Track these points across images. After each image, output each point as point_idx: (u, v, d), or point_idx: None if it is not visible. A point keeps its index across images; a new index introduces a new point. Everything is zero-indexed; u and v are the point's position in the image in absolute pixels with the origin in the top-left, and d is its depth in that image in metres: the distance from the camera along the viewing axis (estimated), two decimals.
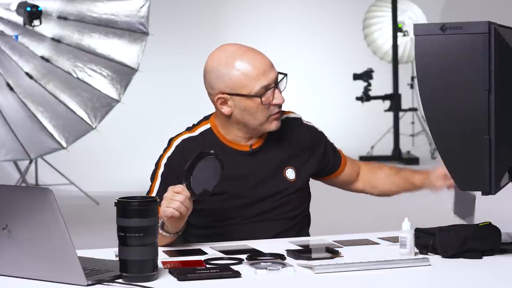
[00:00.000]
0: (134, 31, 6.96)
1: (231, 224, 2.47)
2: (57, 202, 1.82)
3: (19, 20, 6.76)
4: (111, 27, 6.97)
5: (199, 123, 2.57)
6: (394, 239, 2.27)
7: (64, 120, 7.01)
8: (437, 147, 1.98)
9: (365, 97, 10.10)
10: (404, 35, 10.41)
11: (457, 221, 2.26)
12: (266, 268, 1.97)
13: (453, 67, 1.92)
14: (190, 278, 1.90)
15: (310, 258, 2.10)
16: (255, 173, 2.49)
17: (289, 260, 2.09)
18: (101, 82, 7.00)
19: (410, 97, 10.57)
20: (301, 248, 2.25)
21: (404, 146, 10.21)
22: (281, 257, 2.11)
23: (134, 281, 1.87)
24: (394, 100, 10.15)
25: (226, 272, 1.94)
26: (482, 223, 2.16)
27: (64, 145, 7.05)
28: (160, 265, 1.98)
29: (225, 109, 2.45)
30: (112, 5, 6.98)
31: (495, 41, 1.88)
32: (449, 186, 2.55)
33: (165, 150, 2.50)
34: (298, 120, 2.62)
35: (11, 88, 6.93)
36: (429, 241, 2.12)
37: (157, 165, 2.48)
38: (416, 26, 1.95)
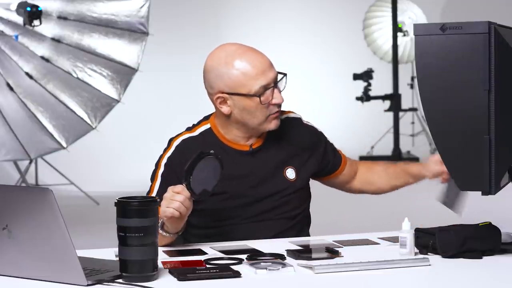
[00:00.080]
0: (134, 31, 6.96)
1: (231, 224, 2.47)
2: (57, 202, 1.82)
3: (19, 20, 6.76)
4: (111, 27, 6.98)
5: (199, 123, 2.57)
6: (394, 239, 2.27)
7: (64, 120, 7.01)
8: (437, 147, 1.98)
9: (365, 97, 10.10)
10: (404, 35, 10.41)
11: (457, 221, 2.26)
12: (266, 268, 1.97)
13: (453, 67, 1.92)
14: (190, 278, 1.90)
15: (310, 258, 2.10)
16: (255, 173, 2.49)
17: (289, 260, 2.09)
18: (101, 82, 7.00)
19: (410, 97, 10.57)
20: (301, 248, 2.25)
21: (404, 146, 10.21)
22: (281, 257, 2.11)
23: (134, 281, 1.87)
24: (394, 100, 10.15)
25: (226, 272, 1.94)
26: (482, 223, 2.16)
27: (64, 145, 7.05)
28: (160, 265, 1.98)
29: (224, 109, 2.45)
30: (112, 5, 6.99)
31: (495, 41, 1.88)
32: (444, 178, 2.53)
33: (165, 150, 2.50)
34: (298, 120, 2.62)
35: (11, 88, 6.93)
36: (429, 241, 2.12)
37: (157, 165, 2.48)
38: (416, 26, 1.95)
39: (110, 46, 7.00)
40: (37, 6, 6.60)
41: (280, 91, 2.46)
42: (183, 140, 2.50)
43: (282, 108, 2.53)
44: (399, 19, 10.22)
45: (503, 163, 1.95)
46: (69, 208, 5.32)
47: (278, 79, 2.45)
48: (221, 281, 1.90)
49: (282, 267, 1.99)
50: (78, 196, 7.60)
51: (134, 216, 1.88)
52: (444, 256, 2.09)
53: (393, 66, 10.21)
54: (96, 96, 7.00)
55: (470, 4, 10.83)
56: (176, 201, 2.18)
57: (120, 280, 1.89)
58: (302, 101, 8.50)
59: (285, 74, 2.46)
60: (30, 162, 7.61)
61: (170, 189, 2.21)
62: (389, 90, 10.29)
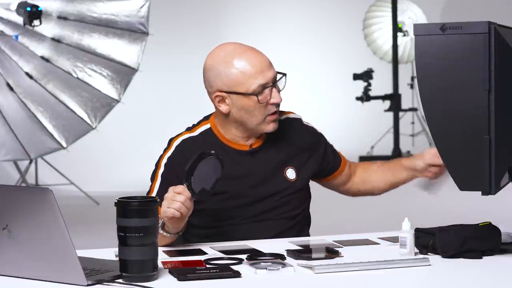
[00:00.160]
0: (134, 31, 6.97)
1: (231, 224, 2.47)
2: (57, 202, 1.82)
3: (19, 20, 6.76)
4: (111, 27, 6.98)
5: (199, 123, 2.57)
6: (394, 239, 2.27)
7: (64, 120, 7.02)
8: (437, 147, 1.98)
9: (365, 97, 10.10)
10: (404, 35, 10.41)
11: (457, 221, 2.26)
12: (266, 268, 1.97)
13: (453, 67, 1.92)
14: (190, 278, 1.90)
15: (310, 258, 2.09)
16: (255, 173, 2.49)
17: (289, 260, 2.09)
18: (101, 82, 7.00)
19: (410, 97, 10.57)
20: (301, 248, 2.25)
21: (404, 146, 10.20)
22: (281, 257, 2.11)
23: (134, 281, 1.87)
24: (394, 100, 10.14)
25: (226, 272, 1.94)
26: (482, 223, 2.16)
27: (64, 145, 7.05)
28: (160, 265, 1.98)
29: (223, 107, 2.45)
30: (112, 5, 6.99)
31: (495, 41, 1.88)
32: (438, 172, 2.53)
33: (165, 150, 2.50)
34: (298, 120, 2.62)
35: (11, 88, 6.93)
36: (429, 241, 2.12)
37: (157, 165, 2.48)
38: (416, 26, 1.95)
39: (110, 46, 7.01)
40: (37, 6, 6.61)
41: (279, 91, 2.46)
42: (183, 140, 2.50)
43: (282, 109, 2.53)
44: (399, 19, 10.22)
45: (503, 163, 1.95)
46: (69, 208, 5.32)
47: (277, 79, 2.45)
48: (221, 281, 1.90)
49: (282, 267, 1.99)
50: (78, 196, 7.60)
51: (134, 216, 1.88)
52: (444, 256, 2.09)
53: (393, 66, 10.21)
54: (96, 96, 7.00)
55: (470, 4, 10.83)
56: (177, 201, 2.18)
57: (120, 280, 1.88)
58: (302, 101, 8.51)
59: (284, 74, 2.46)
60: (30, 162, 7.61)
61: (171, 189, 2.21)
62: (389, 90, 10.29)
